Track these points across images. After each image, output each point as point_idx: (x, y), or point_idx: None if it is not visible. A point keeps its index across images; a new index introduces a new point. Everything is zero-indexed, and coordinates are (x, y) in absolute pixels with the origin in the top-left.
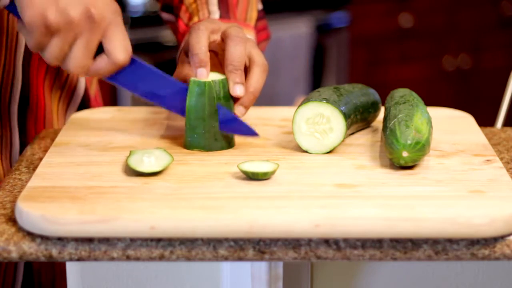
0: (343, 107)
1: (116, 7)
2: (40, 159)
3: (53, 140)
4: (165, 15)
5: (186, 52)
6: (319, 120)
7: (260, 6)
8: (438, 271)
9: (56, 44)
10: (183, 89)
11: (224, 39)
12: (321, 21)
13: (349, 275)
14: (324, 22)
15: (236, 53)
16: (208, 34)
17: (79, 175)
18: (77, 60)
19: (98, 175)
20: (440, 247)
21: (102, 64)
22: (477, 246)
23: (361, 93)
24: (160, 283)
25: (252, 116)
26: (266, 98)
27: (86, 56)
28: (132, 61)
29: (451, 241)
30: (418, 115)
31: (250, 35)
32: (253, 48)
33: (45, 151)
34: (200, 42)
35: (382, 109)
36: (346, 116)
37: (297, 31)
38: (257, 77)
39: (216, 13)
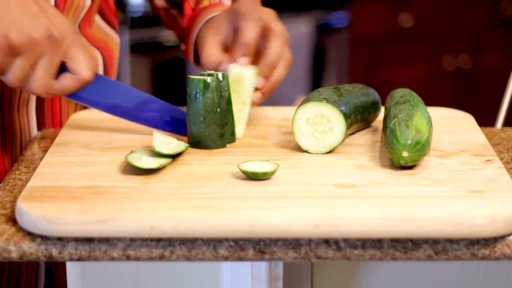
0: (343, 107)
1: (75, 28)
2: (40, 159)
3: (53, 140)
4: (160, 2)
5: (221, 39)
6: (319, 120)
7: None
8: (438, 271)
9: (19, 65)
10: (147, 99)
11: (265, 31)
12: (321, 21)
13: (349, 275)
14: (324, 22)
15: (277, 51)
16: (259, 26)
17: (79, 175)
18: (40, 80)
19: (98, 175)
20: (440, 247)
21: (67, 81)
22: (477, 246)
23: (361, 93)
24: (160, 283)
25: (252, 116)
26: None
27: (48, 75)
28: (95, 77)
29: (451, 241)
30: (418, 115)
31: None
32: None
33: (45, 151)
34: (252, 34)
35: (382, 109)
36: (346, 116)
37: (297, 31)
38: (281, 69)
39: (227, 0)
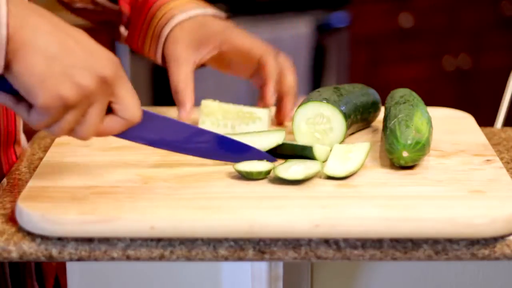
0: (343, 107)
1: (115, 58)
2: (40, 159)
3: (53, 140)
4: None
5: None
6: (319, 120)
7: None
8: (438, 271)
9: (71, 117)
10: (194, 132)
11: (259, 66)
12: (321, 21)
13: (349, 275)
14: (324, 22)
15: (294, 81)
16: (191, 68)
17: (79, 175)
18: (91, 126)
19: (98, 175)
20: (440, 247)
21: (114, 124)
22: (477, 246)
23: (361, 93)
24: (160, 283)
25: None
26: None
27: (99, 120)
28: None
29: (451, 241)
30: (418, 115)
31: (207, 7)
32: (278, 53)
33: (45, 151)
34: (180, 80)
35: (382, 109)
36: (346, 116)
37: (297, 31)
38: (291, 80)
39: None
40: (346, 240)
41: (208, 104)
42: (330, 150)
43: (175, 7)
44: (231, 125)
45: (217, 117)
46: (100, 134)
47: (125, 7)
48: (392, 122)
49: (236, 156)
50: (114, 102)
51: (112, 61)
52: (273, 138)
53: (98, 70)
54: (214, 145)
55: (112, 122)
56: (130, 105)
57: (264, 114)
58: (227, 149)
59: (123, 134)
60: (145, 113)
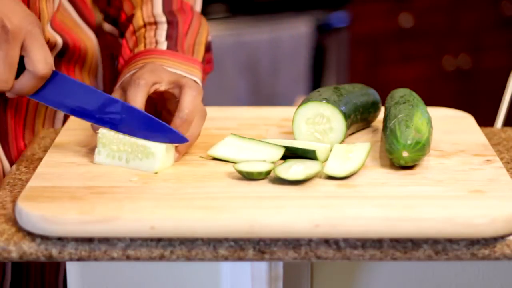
0: (343, 107)
1: (33, 18)
2: (40, 159)
3: (53, 140)
4: (108, 26)
5: (123, 88)
6: (319, 120)
7: (209, 38)
8: (438, 271)
9: None
10: (110, 100)
11: (177, 87)
12: (321, 21)
13: (349, 275)
14: (324, 22)
15: (191, 104)
16: (148, 90)
17: (79, 175)
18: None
19: (98, 175)
20: (440, 247)
21: (25, 80)
22: (477, 246)
23: (361, 93)
24: (160, 283)
25: (252, 116)
26: (266, 98)
27: (6, 69)
28: (55, 75)
29: (451, 241)
30: (418, 115)
31: (196, 73)
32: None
33: (45, 151)
34: (137, 100)
35: (382, 109)
36: (346, 116)
37: (297, 31)
38: (197, 123)
39: (163, 44)
40: (346, 240)
41: (105, 134)
42: (330, 150)
43: (154, 62)
44: (126, 158)
45: (112, 148)
46: (14, 89)
47: (120, 63)
48: (392, 122)
49: (147, 131)
50: (24, 56)
51: (25, 17)
52: (270, 154)
53: (2, 18)
54: (127, 116)
55: (25, 78)
56: (37, 57)
57: (158, 150)
58: (140, 123)
59: (39, 96)
60: (58, 75)
